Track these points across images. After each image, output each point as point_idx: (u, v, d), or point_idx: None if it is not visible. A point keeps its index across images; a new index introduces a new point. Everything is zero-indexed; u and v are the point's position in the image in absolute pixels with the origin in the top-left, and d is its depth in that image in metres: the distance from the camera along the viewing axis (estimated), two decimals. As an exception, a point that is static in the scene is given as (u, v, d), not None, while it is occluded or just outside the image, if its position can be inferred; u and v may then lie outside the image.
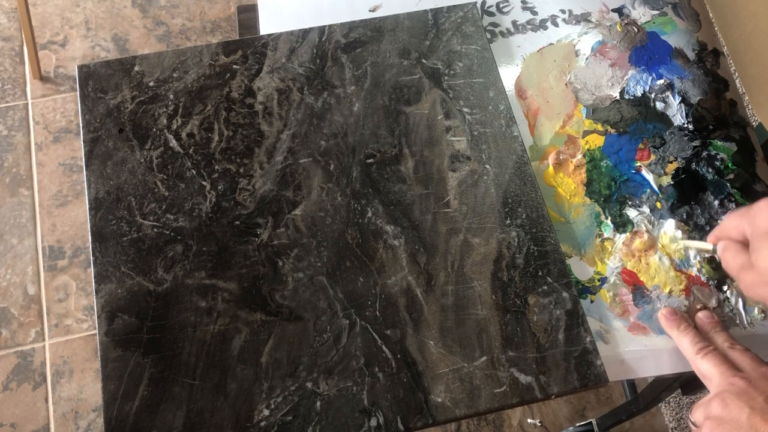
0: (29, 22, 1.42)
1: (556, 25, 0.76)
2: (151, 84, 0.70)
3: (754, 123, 0.72)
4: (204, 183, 0.65)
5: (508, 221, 0.64)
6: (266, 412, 0.56)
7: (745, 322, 0.61)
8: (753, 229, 0.50)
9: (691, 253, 0.60)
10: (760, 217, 0.49)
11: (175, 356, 0.58)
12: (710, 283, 0.63)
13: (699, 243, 0.60)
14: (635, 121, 0.70)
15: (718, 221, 0.65)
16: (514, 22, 0.76)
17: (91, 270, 0.61)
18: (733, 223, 0.53)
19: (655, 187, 0.67)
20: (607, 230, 0.65)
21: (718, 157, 0.68)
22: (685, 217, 0.65)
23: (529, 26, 0.76)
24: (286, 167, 0.66)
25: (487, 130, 0.69)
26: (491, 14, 0.77)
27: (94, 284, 0.60)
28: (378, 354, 0.58)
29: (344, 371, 0.57)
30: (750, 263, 0.50)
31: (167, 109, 0.68)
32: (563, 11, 0.77)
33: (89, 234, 0.63)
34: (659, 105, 0.71)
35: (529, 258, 0.63)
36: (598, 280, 0.63)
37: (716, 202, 0.66)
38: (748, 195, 0.67)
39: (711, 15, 0.78)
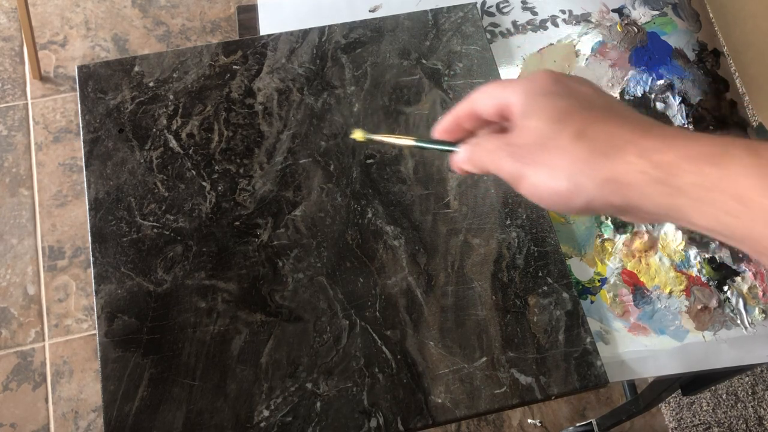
0: (29, 22, 1.42)
1: (556, 25, 0.76)
2: (151, 84, 0.70)
3: (754, 123, 0.72)
4: (204, 183, 0.65)
5: (508, 222, 0.64)
6: (266, 413, 0.56)
7: (746, 322, 0.61)
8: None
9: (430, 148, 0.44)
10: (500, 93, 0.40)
11: (175, 357, 0.58)
12: (710, 284, 0.63)
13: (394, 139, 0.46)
14: (635, 121, 0.70)
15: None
16: (514, 23, 0.76)
17: (91, 270, 0.61)
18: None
19: (656, 188, 0.67)
20: (608, 231, 0.65)
21: (719, 157, 0.68)
22: (685, 217, 0.65)
23: (529, 26, 0.76)
24: (286, 168, 0.66)
25: (487, 130, 0.69)
26: (491, 14, 0.77)
27: (94, 285, 0.60)
28: (378, 355, 0.58)
29: (344, 372, 0.57)
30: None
31: (167, 110, 0.68)
32: (563, 11, 0.77)
33: (89, 234, 0.62)
34: (659, 105, 0.71)
35: (530, 258, 0.63)
36: (599, 281, 0.63)
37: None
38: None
39: (711, 15, 0.78)
